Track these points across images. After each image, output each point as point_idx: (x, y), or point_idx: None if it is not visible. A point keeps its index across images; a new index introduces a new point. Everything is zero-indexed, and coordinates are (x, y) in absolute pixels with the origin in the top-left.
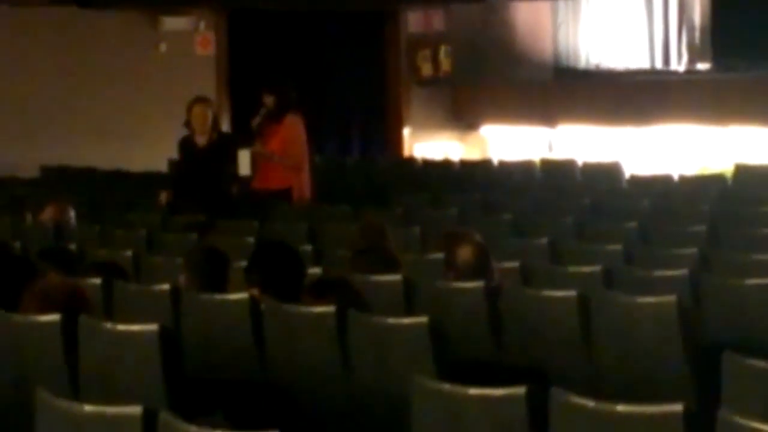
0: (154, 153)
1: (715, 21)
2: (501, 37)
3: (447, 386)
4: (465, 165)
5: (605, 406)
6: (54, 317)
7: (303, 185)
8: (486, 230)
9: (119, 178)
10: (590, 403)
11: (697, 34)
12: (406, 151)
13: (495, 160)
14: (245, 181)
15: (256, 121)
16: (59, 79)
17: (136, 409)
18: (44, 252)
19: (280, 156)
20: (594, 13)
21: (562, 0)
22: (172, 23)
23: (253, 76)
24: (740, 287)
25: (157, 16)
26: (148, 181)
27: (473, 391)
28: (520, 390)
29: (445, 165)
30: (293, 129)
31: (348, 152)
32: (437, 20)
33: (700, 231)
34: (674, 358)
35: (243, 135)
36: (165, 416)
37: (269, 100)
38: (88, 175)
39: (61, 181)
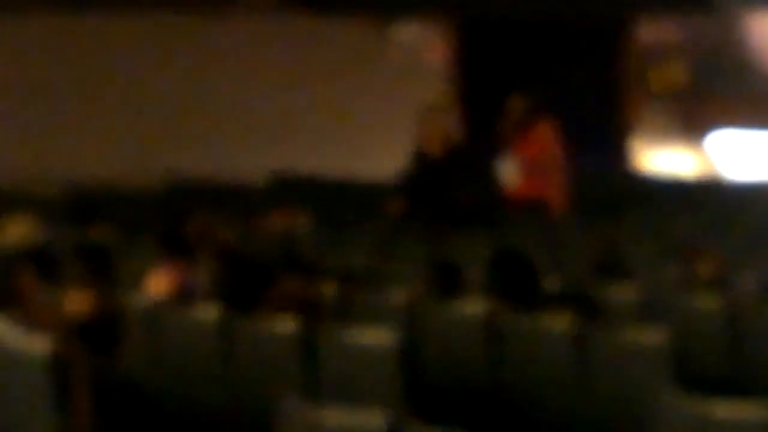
0: (384, 162)
1: None
2: (732, 50)
3: (696, 400)
4: (698, 179)
5: None
6: (291, 324)
7: (558, 195)
8: (720, 246)
9: (347, 188)
10: None
11: None
12: (637, 164)
13: (726, 176)
14: (498, 192)
15: (503, 127)
16: (287, 88)
17: (379, 417)
18: (280, 258)
19: (535, 161)
20: None
21: None
22: (402, 31)
23: (485, 86)
24: None
25: (387, 24)
26: (376, 191)
27: (723, 407)
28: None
29: (677, 178)
30: (547, 136)
31: (579, 163)
32: (669, 33)
33: None
34: None
35: (478, 145)
36: (410, 426)
37: (519, 105)
38: (316, 184)
39: (290, 189)
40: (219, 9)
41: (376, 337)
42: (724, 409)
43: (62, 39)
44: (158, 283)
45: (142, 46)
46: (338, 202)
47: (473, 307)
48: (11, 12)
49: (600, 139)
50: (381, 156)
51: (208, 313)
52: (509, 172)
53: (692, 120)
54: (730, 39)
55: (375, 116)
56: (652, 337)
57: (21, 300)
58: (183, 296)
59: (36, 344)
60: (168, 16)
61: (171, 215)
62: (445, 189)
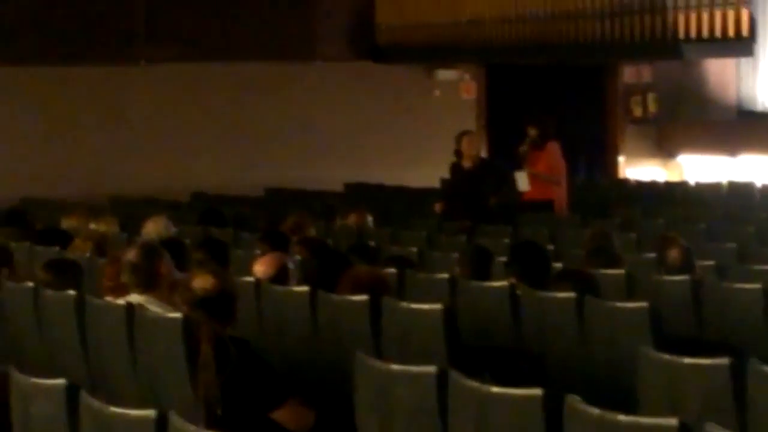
0: (429, 173)
1: None
2: (695, 86)
3: (666, 357)
4: (667, 185)
5: None
6: (363, 298)
7: (562, 198)
8: (686, 236)
9: (402, 193)
10: None
11: None
12: (621, 174)
13: (690, 182)
14: (518, 195)
15: (522, 149)
16: (358, 118)
17: (430, 369)
18: (353, 248)
19: (545, 174)
20: None
21: (743, 58)
22: (444, 74)
23: (505, 116)
24: None
25: (432, 69)
26: (424, 195)
27: (687, 360)
28: (724, 361)
29: (652, 185)
30: (554, 154)
31: (576, 174)
32: (646, 73)
33: None
34: None
35: (499, 160)
36: (453, 375)
37: (533, 131)
38: (379, 190)
39: (360, 194)
40: (311, 58)
41: (426, 308)
42: (689, 361)
43: (192, 83)
44: (261, 268)
45: (249, 87)
46: (396, 204)
47: (499, 283)
48: (158, 65)
49: (593, 155)
50: (427, 168)
51: (299, 290)
52: (524, 181)
53: (662, 140)
54: (691, 78)
55: (423, 138)
56: (634, 306)
57: (161, 280)
58: (280, 278)
59: (174, 313)
60: (272, 65)
61: (270, 216)
62: (476, 193)
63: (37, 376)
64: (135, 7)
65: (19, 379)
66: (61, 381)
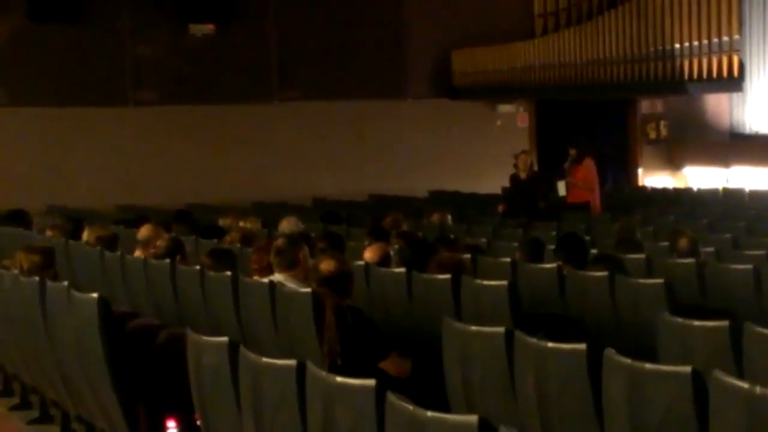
0: (493, 183)
1: None
2: (697, 115)
3: (679, 320)
4: (676, 191)
5: None
6: (446, 277)
7: (596, 201)
8: (692, 229)
9: (474, 197)
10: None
11: None
12: (640, 182)
13: (694, 188)
14: (563, 198)
15: (566, 165)
16: (438, 140)
17: (499, 329)
18: (437, 239)
19: (582, 183)
20: (754, 102)
21: (735, 93)
22: (504, 108)
23: (551, 139)
24: None
25: (495, 104)
26: (491, 199)
27: (695, 323)
28: (724, 323)
29: (664, 191)
30: (589, 167)
31: (606, 182)
32: (659, 106)
33: None
34: None
35: (548, 172)
36: (518, 335)
37: (573, 151)
38: (456, 195)
39: (441, 199)
40: (404, 97)
41: (494, 284)
42: (697, 323)
43: (314, 117)
44: (369, 254)
45: (357, 119)
46: (469, 206)
47: (549, 265)
48: (289, 103)
49: (619, 169)
50: (493, 178)
51: (398, 271)
52: (563, 188)
53: (671, 156)
54: (694, 109)
55: (489, 156)
56: (653, 283)
57: (299, 263)
58: (383, 262)
59: (305, 288)
60: (375, 101)
61: (374, 216)
62: (530, 198)
63: (205, 335)
64: (270, 58)
65: (193, 337)
66: (224, 339)
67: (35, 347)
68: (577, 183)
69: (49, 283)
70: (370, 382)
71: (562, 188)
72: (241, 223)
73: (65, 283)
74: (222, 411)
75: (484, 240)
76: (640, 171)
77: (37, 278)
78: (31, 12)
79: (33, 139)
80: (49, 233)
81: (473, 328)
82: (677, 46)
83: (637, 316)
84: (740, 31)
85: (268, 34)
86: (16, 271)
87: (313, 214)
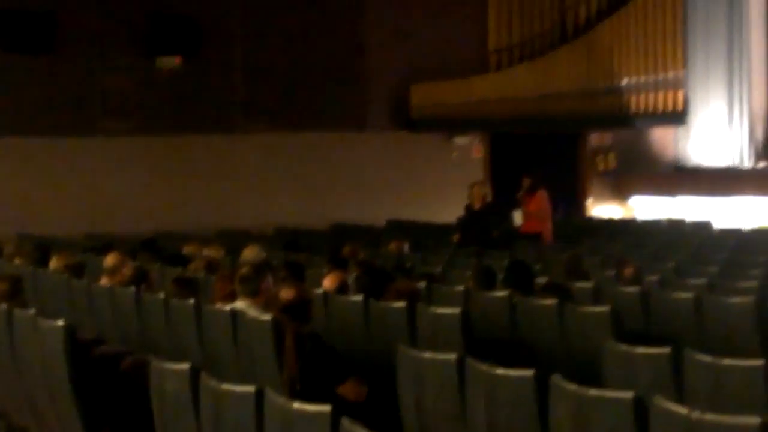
0: (449, 212)
1: None
2: (644, 148)
3: (623, 347)
4: (623, 221)
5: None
6: (401, 304)
7: (548, 231)
8: (636, 258)
9: (429, 227)
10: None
11: (760, 141)
12: (589, 213)
13: (639, 218)
14: (516, 228)
15: (520, 194)
16: (396, 170)
17: (451, 356)
18: (394, 267)
19: (535, 212)
20: (698, 135)
21: (679, 127)
22: (460, 140)
23: (505, 170)
24: None
25: (451, 137)
26: (446, 228)
27: (639, 350)
28: (666, 350)
29: (611, 220)
30: (542, 198)
31: (557, 212)
32: (607, 138)
33: (765, 259)
34: (746, 333)
35: (502, 203)
36: (470, 361)
37: (526, 181)
38: (413, 225)
39: (398, 228)
40: (363, 128)
41: (447, 312)
42: (640, 350)
43: (276, 147)
44: (328, 282)
45: (317, 149)
46: (426, 235)
47: (501, 294)
48: (252, 134)
49: (569, 199)
50: (449, 208)
51: (355, 298)
52: (519, 217)
53: (619, 187)
54: (640, 142)
55: (445, 186)
56: (599, 310)
57: (262, 291)
58: (341, 289)
59: (266, 315)
60: (335, 133)
61: (333, 244)
62: (483, 228)
63: (168, 362)
64: (235, 89)
65: (156, 364)
66: (186, 365)
67: (2, 373)
68: (530, 213)
69: (16, 311)
70: (326, 408)
71: (518, 218)
72: (205, 251)
73: (32, 310)
74: None
75: (438, 268)
76: (589, 201)
77: (4, 306)
78: (3, 42)
79: (1, 167)
80: (17, 261)
81: (426, 354)
82: (624, 81)
83: (584, 343)
84: (684, 66)
85: (234, 66)
86: None
87: (276, 242)
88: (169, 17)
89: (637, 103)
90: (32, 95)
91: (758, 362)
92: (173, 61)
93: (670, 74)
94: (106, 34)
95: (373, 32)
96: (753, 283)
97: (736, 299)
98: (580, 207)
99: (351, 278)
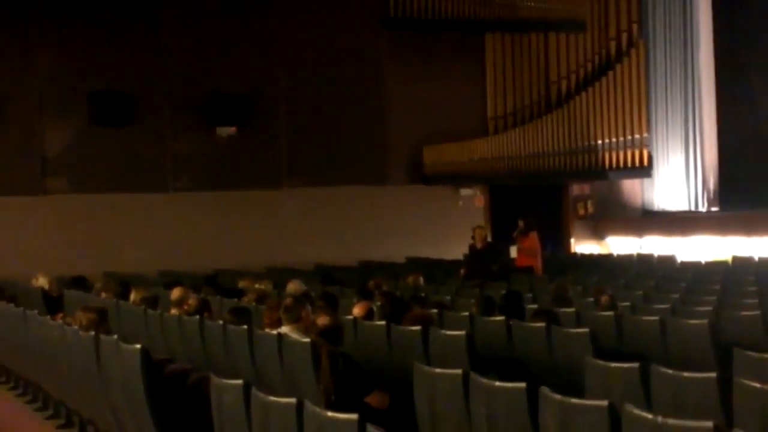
0: (456, 250)
1: (721, 180)
2: (616, 196)
3: (601, 362)
4: (600, 256)
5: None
6: (417, 328)
7: (539, 265)
8: (611, 288)
9: (441, 262)
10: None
11: (711, 189)
12: (572, 250)
13: (614, 254)
14: (512, 262)
15: (515, 234)
16: (413, 217)
17: (458, 371)
18: (411, 297)
19: (528, 250)
20: (661, 185)
21: (645, 178)
22: (465, 191)
23: (503, 216)
24: (742, 315)
25: (458, 188)
26: (454, 264)
27: (613, 365)
28: (635, 365)
29: (591, 256)
30: (534, 238)
31: (546, 250)
32: (586, 189)
33: (717, 288)
34: (703, 350)
35: (500, 242)
36: (473, 376)
37: (521, 223)
38: (427, 261)
39: (415, 264)
40: (385, 183)
41: (455, 334)
42: (615, 365)
43: (314, 199)
44: (357, 310)
45: (348, 200)
46: (437, 269)
47: (499, 318)
48: (294, 189)
49: (556, 238)
50: (456, 247)
51: (379, 324)
52: (515, 254)
53: (597, 228)
54: (614, 191)
55: (452, 229)
56: (581, 331)
57: (302, 318)
58: (368, 316)
59: (305, 339)
60: (359, 187)
61: (361, 278)
62: (484, 263)
63: (225, 378)
64: (279, 153)
65: (216, 380)
66: (239, 381)
67: (91, 388)
68: (524, 250)
69: (102, 337)
70: (353, 416)
71: (515, 253)
72: (257, 285)
73: (115, 336)
74: None
75: (448, 297)
76: (572, 241)
77: (93, 333)
78: (91, 117)
79: (93, 218)
80: (103, 295)
81: (437, 370)
82: (599, 142)
83: (568, 359)
84: (648, 130)
85: (278, 134)
86: (76, 327)
87: (314, 277)
88: (226, 95)
89: (610, 159)
90: (116, 159)
91: (712, 375)
92: (230, 131)
93: (637, 136)
94: (175, 109)
95: (392, 105)
96: (708, 308)
97: (694, 321)
98: (565, 245)
99: (376, 306)
